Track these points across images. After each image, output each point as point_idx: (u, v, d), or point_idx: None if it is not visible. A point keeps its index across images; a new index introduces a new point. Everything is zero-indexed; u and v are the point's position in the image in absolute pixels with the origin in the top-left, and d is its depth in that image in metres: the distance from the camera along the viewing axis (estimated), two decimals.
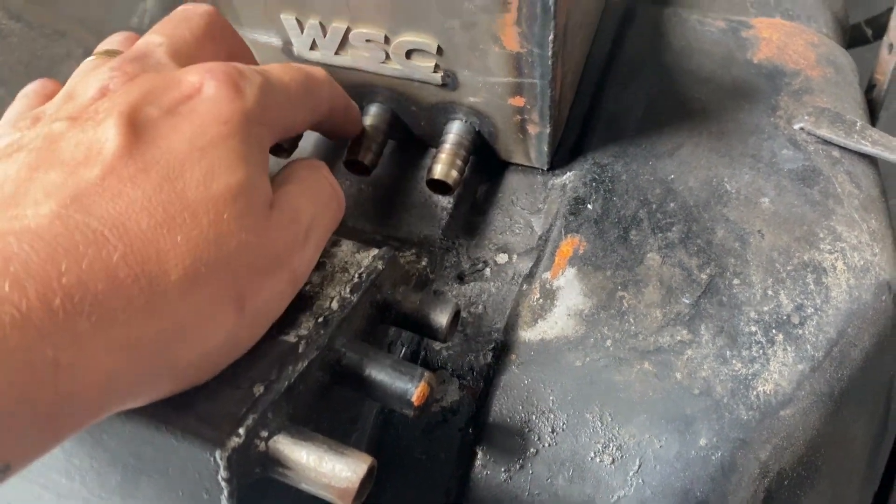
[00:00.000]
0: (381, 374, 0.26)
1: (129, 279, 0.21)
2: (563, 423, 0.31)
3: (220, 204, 0.23)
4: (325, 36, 0.35)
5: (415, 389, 0.26)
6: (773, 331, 0.32)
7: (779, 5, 0.47)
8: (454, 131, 0.37)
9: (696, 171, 0.38)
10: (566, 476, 0.30)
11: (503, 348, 0.33)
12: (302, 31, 0.35)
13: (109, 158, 0.22)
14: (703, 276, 0.34)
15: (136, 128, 0.23)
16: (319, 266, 0.29)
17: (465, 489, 0.31)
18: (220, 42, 0.30)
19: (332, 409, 0.29)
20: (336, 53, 0.36)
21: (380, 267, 0.29)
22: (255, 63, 0.32)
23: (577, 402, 0.31)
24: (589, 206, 0.37)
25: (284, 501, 0.27)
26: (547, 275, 0.35)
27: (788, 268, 0.34)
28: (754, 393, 0.31)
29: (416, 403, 0.26)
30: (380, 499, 0.31)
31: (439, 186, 0.37)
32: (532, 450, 0.31)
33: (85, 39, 0.46)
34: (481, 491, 0.31)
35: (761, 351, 0.32)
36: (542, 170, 0.39)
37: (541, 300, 0.34)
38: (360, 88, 0.37)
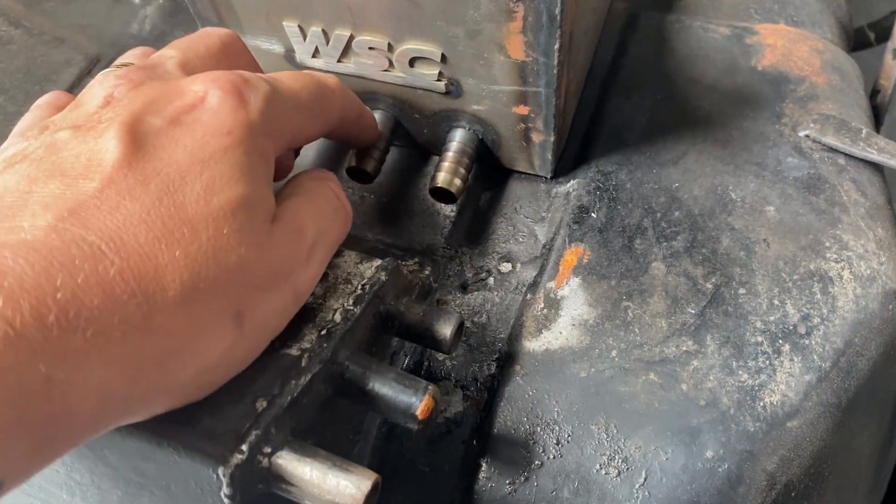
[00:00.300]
0: (385, 388, 0.26)
1: (125, 295, 0.20)
2: (568, 435, 0.31)
3: (220, 218, 0.23)
4: (327, 43, 0.35)
5: (419, 403, 0.26)
6: (780, 341, 0.32)
7: (783, 11, 0.47)
8: (457, 139, 0.37)
9: (700, 180, 0.37)
10: (571, 488, 0.30)
11: (507, 359, 0.33)
12: (304, 39, 0.35)
13: (109, 170, 0.22)
14: (709, 286, 0.34)
15: (137, 138, 0.23)
16: (322, 277, 0.28)
17: (470, 502, 0.31)
18: (234, 60, 0.30)
19: (335, 421, 0.28)
20: (339, 61, 0.35)
21: (383, 278, 0.29)
22: None
23: (583, 413, 0.31)
24: (593, 214, 0.37)
25: None
26: (551, 284, 0.35)
27: (794, 277, 0.34)
28: (761, 404, 0.31)
29: (420, 417, 0.26)
30: None
31: (442, 195, 0.36)
32: (537, 462, 0.31)
33: (85, 47, 0.45)
34: (486, 503, 0.31)
35: (768, 361, 0.32)
36: (546, 178, 0.39)
37: (545, 310, 0.34)
38: (363, 96, 0.37)
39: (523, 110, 0.35)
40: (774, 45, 0.44)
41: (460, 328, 0.29)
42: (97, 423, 0.21)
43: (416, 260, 0.35)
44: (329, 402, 0.27)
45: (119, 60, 0.30)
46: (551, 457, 0.31)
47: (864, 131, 0.39)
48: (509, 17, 0.30)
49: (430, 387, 0.26)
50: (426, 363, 0.34)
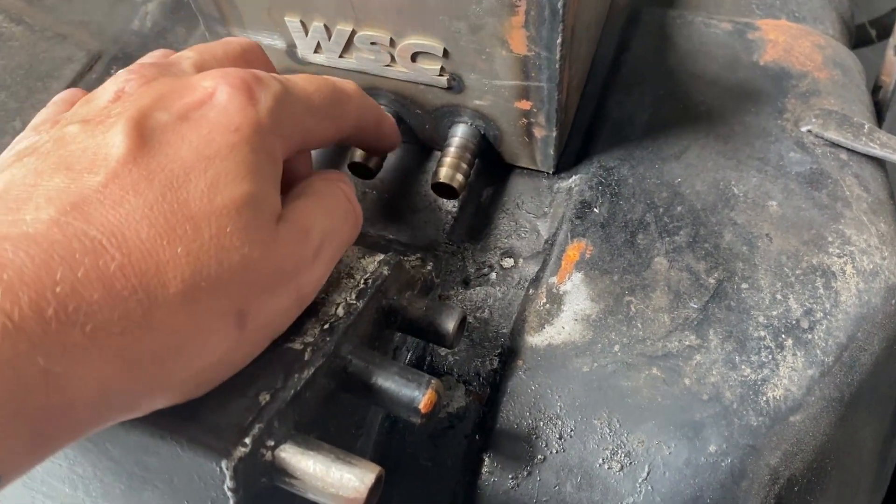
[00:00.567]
0: (388, 382, 0.26)
1: (125, 290, 0.20)
2: (571, 430, 0.31)
3: (224, 216, 0.23)
4: (329, 38, 0.35)
5: (422, 397, 0.26)
6: (783, 335, 0.32)
7: (785, 7, 0.47)
8: (459, 134, 0.37)
9: (702, 175, 0.37)
10: (574, 483, 0.30)
11: (510, 353, 0.33)
12: (306, 34, 0.35)
13: (114, 165, 0.22)
14: (711, 281, 0.34)
15: (143, 133, 0.23)
16: None
17: (472, 496, 0.31)
18: (252, 65, 0.29)
19: (338, 415, 0.28)
20: (340, 56, 0.35)
21: (385, 272, 0.29)
22: None
23: (585, 407, 0.31)
24: (595, 209, 0.37)
25: None
26: (553, 279, 0.35)
27: (797, 272, 0.34)
28: (764, 398, 0.31)
29: (423, 411, 0.26)
30: None
31: (444, 190, 0.36)
32: (540, 456, 0.31)
33: (86, 43, 0.45)
34: (488, 498, 0.31)
35: (770, 356, 0.32)
36: (548, 173, 0.39)
37: (547, 305, 0.34)
38: (365, 91, 0.37)
39: (525, 105, 0.34)
40: (776, 40, 0.44)
41: (463, 323, 0.29)
42: (96, 418, 0.21)
43: (419, 255, 0.35)
44: (332, 396, 0.27)
45: (139, 61, 0.30)
46: (554, 451, 0.31)
47: (866, 126, 0.38)
48: (511, 11, 0.30)
49: (433, 380, 0.26)
50: (428, 358, 0.34)
